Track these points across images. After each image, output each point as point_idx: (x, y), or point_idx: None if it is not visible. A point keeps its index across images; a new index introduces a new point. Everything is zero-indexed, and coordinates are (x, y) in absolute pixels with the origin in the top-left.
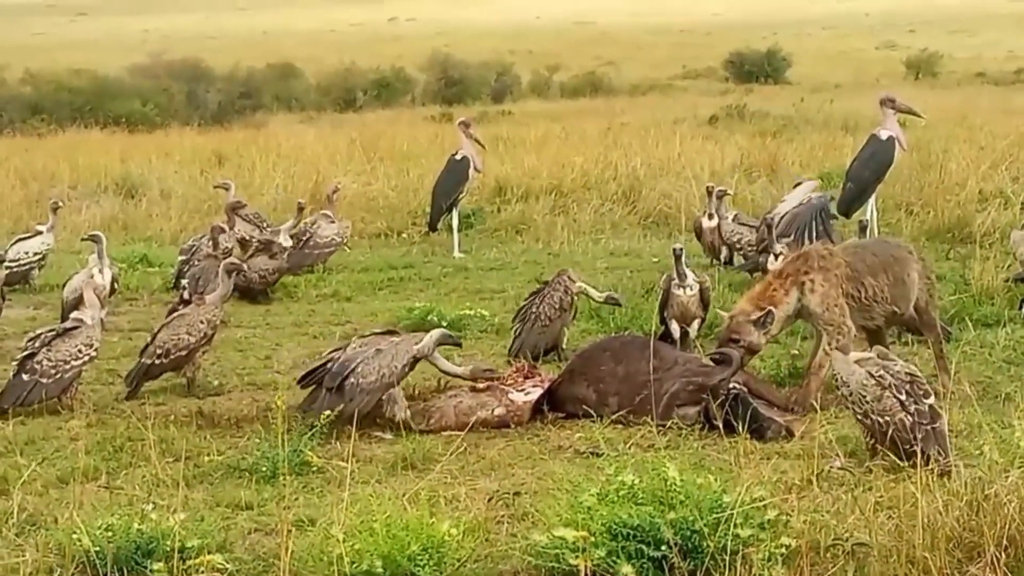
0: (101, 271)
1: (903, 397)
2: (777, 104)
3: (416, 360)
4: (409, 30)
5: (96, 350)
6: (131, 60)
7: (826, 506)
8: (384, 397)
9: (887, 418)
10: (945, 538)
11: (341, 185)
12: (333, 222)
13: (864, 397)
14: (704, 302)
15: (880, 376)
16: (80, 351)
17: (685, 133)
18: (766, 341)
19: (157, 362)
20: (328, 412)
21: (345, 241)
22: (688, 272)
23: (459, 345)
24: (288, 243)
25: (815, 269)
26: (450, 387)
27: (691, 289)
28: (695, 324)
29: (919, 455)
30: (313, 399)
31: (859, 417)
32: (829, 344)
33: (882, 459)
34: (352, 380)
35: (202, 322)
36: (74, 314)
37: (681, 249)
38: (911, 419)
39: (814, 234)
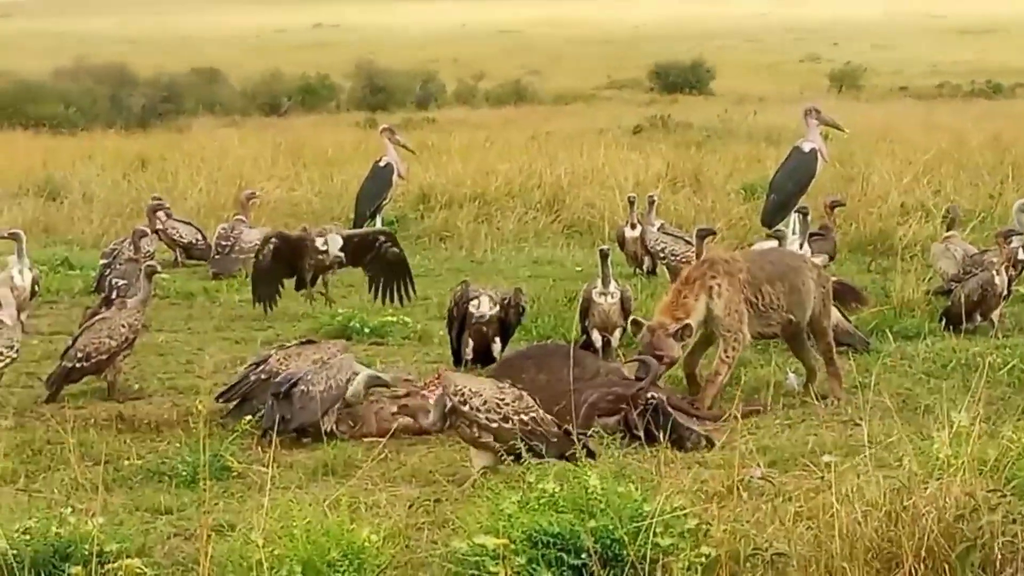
0: (21, 272)
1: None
2: (701, 115)
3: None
4: (334, 36)
5: (16, 351)
6: (54, 63)
7: (746, 516)
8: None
9: (532, 415)
10: (864, 548)
11: (261, 191)
12: (253, 227)
13: (503, 400)
14: (626, 311)
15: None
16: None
17: (609, 143)
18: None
19: (78, 365)
20: (249, 416)
21: None
22: (612, 278)
23: (387, 386)
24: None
25: (721, 274)
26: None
27: (612, 297)
28: (617, 333)
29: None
30: (242, 411)
31: (496, 424)
32: (725, 352)
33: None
34: (302, 387)
35: (123, 326)
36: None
37: (608, 250)
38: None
39: None
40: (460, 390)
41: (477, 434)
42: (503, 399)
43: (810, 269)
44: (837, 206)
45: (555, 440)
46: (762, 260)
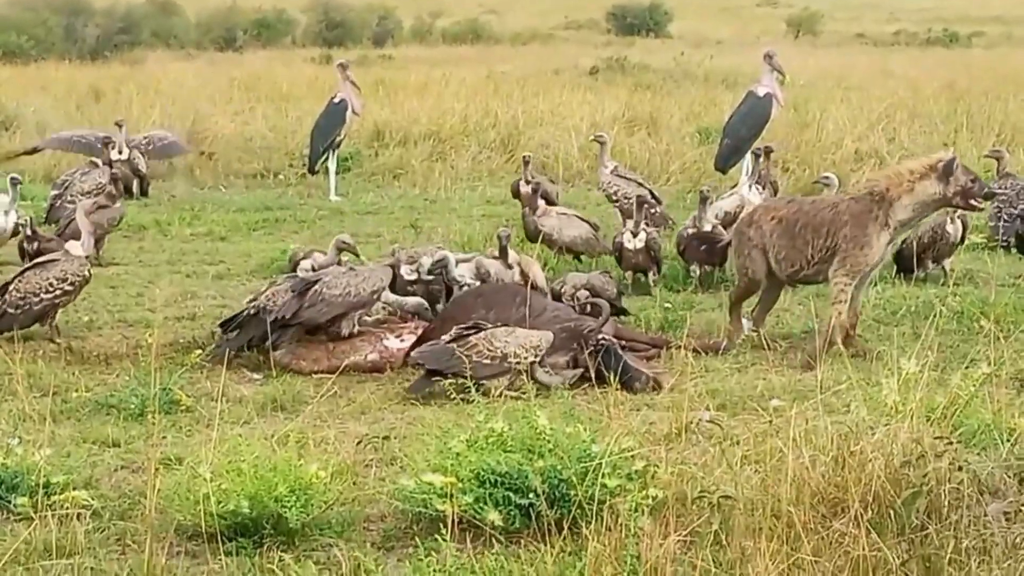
0: (7, 213)
1: None
2: (658, 58)
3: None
4: None
5: (73, 285)
6: None
7: (693, 458)
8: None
9: None
10: (810, 493)
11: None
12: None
13: None
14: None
15: None
16: (52, 284)
17: (565, 84)
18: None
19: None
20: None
21: None
22: (512, 254)
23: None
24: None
25: None
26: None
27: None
28: None
29: None
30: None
31: None
32: None
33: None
34: (317, 288)
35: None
36: (67, 245)
37: (507, 235)
38: None
39: None
40: None
41: None
42: None
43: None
44: (769, 153)
45: None
46: None
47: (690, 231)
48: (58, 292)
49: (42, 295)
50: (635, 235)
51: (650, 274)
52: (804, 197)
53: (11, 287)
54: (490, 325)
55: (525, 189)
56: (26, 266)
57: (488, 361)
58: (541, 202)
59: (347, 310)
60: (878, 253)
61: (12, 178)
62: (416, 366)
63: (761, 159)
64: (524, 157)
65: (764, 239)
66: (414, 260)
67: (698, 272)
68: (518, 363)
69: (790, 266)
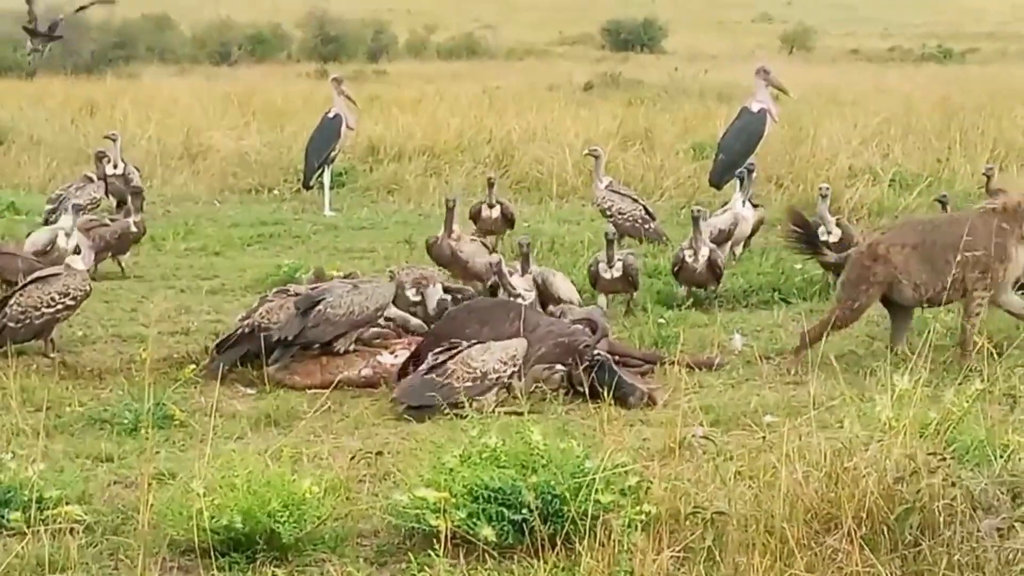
0: (68, 235)
1: None
2: (653, 73)
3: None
4: None
5: (75, 299)
6: (4, 5)
7: (687, 474)
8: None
9: None
10: (804, 509)
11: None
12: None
13: None
14: None
15: None
16: (54, 299)
17: (560, 99)
18: None
19: None
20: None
21: None
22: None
23: None
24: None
25: None
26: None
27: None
28: None
29: None
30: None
31: None
32: None
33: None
34: (320, 308)
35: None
36: (68, 260)
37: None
38: None
39: None
40: None
41: None
42: None
43: None
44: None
45: None
46: None
47: (686, 251)
48: (59, 307)
49: (43, 309)
50: (611, 266)
51: (626, 295)
52: (918, 219)
53: (12, 301)
54: (466, 344)
55: (487, 212)
56: (27, 280)
57: (470, 383)
58: (456, 226)
59: (350, 329)
60: (1019, 266)
61: (74, 204)
62: (398, 403)
63: (754, 175)
64: (489, 179)
65: (895, 273)
66: (419, 283)
67: (686, 292)
68: (499, 378)
69: (932, 290)
